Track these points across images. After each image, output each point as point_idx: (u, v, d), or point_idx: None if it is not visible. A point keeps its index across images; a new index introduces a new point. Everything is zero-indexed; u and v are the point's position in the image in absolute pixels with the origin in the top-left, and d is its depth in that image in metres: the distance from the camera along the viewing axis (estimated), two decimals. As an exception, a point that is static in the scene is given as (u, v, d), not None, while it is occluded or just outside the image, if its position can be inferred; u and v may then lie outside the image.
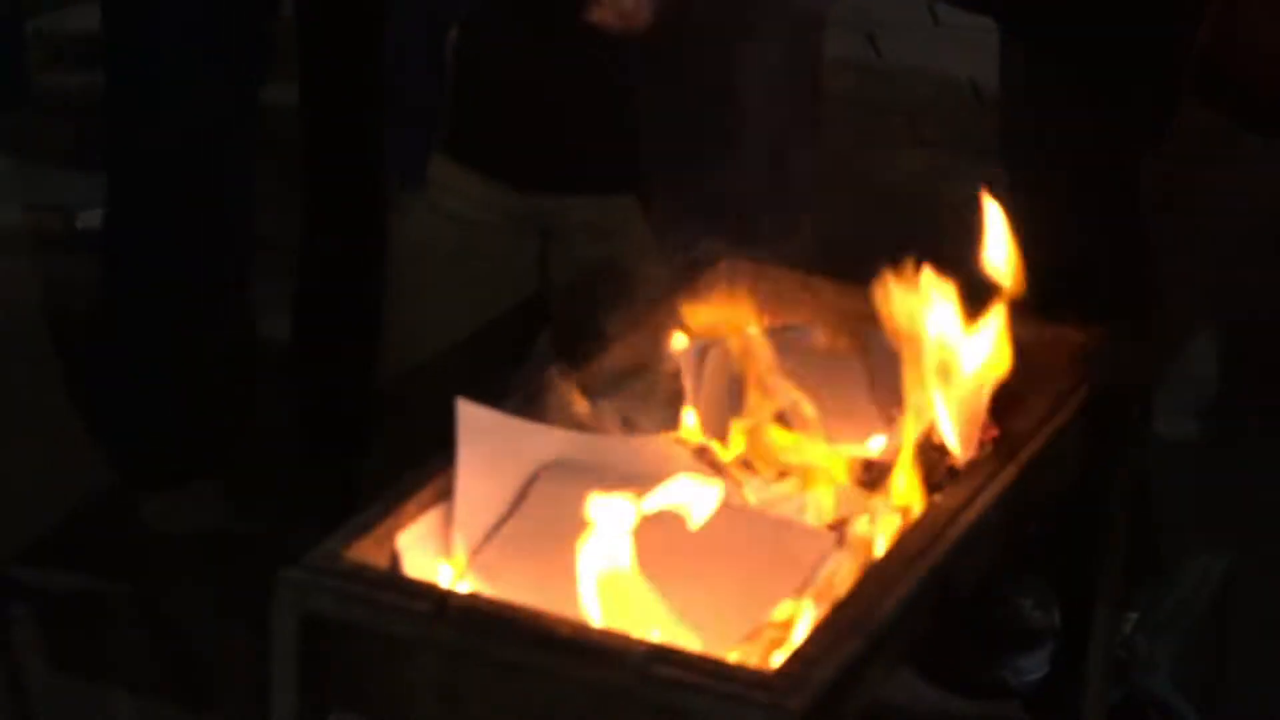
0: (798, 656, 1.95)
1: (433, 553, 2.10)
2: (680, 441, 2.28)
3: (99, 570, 3.48)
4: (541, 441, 2.19)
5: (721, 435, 2.30)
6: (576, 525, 2.09)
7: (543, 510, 2.14)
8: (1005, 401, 2.34)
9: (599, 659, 1.93)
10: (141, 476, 3.70)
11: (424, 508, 2.12)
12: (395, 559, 2.07)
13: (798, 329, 2.49)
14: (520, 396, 2.26)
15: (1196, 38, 2.69)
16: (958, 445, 2.31)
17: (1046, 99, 3.07)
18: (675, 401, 2.35)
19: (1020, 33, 3.18)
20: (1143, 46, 2.75)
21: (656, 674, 1.90)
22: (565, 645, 1.96)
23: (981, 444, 2.27)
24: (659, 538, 2.07)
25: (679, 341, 2.41)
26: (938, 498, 2.20)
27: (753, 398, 2.32)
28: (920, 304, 2.35)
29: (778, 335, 2.41)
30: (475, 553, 2.09)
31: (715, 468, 2.23)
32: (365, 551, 2.05)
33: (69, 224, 4.67)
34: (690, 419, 2.34)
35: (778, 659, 2.01)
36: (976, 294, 2.40)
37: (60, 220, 4.53)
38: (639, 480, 2.14)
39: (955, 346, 2.32)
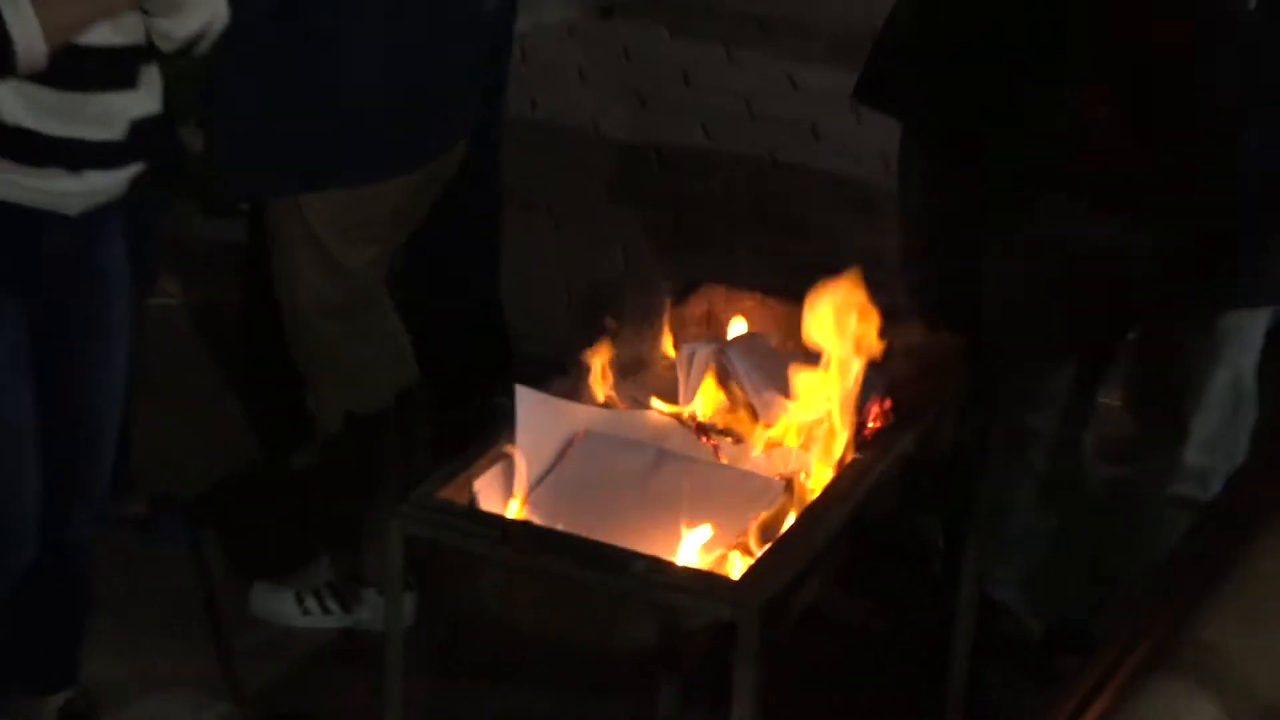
0: (756, 568, 1.96)
1: (499, 494, 2.08)
2: (675, 416, 2.24)
3: (259, 502, 3.33)
4: (576, 415, 2.18)
5: (705, 413, 2.26)
6: (601, 475, 2.12)
7: (577, 464, 2.15)
8: (906, 384, 2.31)
9: (614, 569, 1.94)
10: (280, 438, 3.39)
11: (493, 461, 2.09)
12: (473, 498, 2.05)
13: (758, 335, 2.42)
14: (562, 382, 2.21)
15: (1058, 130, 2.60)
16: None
17: (934, 180, 2.96)
18: (672, 387, 2.30)
19: (917, 131, 3.06)
20: (1013, 140, 2.67)
21: (655, 580, 1.92)
22: (591, 560, 1.97)
23: (885, 416, 2.24)
24: (659, 483, 2.08)
25: (674, 344, 2.34)
26: (857, 456, 2.17)
27: (727, 385, 2.28)
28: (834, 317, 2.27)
29: (744, 340, 2.38)
30: (529, 494, 2.08)
31: (700, 435, 2.20)
32: (451, 492, 2.05)
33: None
34: (683, 400, 2.29)
35: (742, 570, 1.99)
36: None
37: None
38: (644, 443, 2.15)
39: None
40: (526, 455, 2.10)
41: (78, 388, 2.39)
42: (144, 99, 2.32)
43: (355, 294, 2.88)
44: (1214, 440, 2.46)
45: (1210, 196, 2.40)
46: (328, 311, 2.85)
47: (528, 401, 2.10)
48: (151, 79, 2.36)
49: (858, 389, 2.23)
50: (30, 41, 2.11)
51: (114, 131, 2.25)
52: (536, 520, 2.04)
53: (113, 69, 2.26)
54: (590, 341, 2.30)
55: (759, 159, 4.23)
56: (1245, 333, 2.46)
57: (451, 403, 3.04)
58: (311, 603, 2.90)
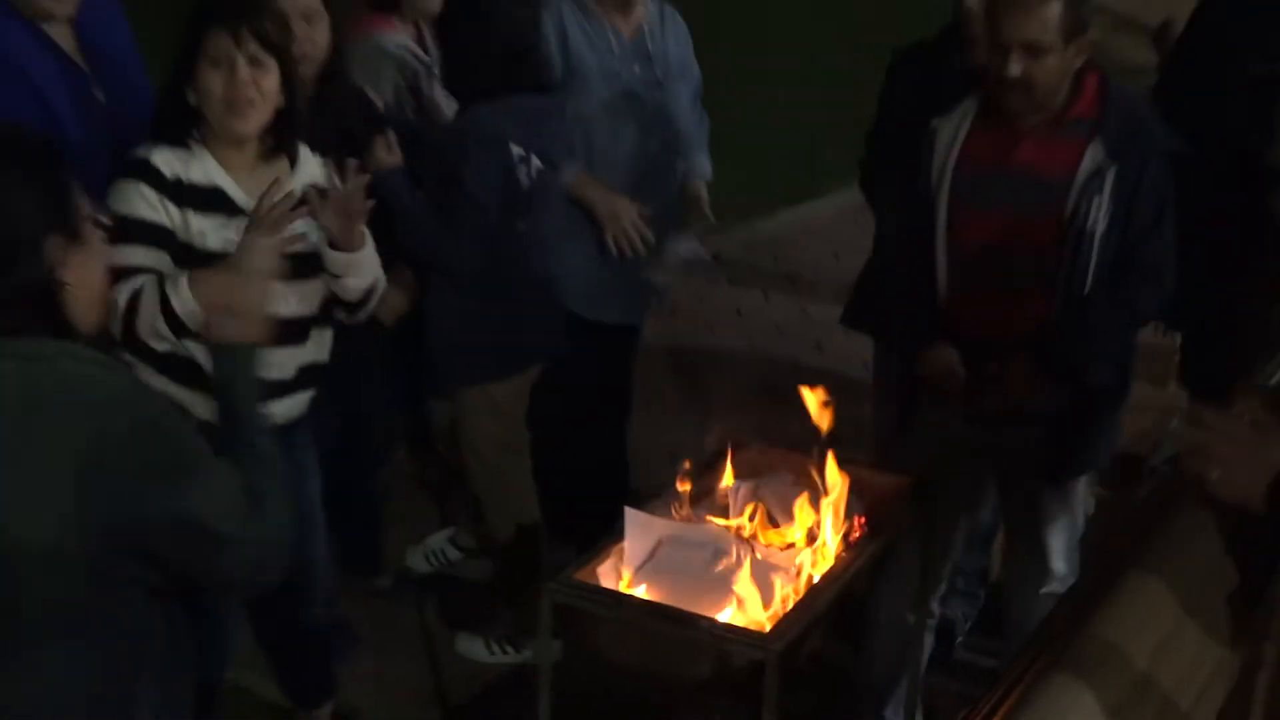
0: (778, 626, 1.93)
1: (614, 576, 2.08)
2: (728, 528, 2.16)
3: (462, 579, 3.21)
4: (664, 526, 2.13)
5: (747, 526, 2.18)
6: (678, 565, 2.07)
7: (663, 558, 2.11)
8: (874, 507, 2.25)
9: (686, 625, 1.94)
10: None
11: (609, 556, 2.09)
12: (597, 578, 2.06)
13: (781, 477, 2.30)
14: (655, 505, 2.18)
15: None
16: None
17: (893, 378, 2.73)
18: (725, 509, 2.23)
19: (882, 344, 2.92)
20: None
21: (712, 633, 1.92)
22: (671, 619, 1.97)
23: (862, 529, 2.19)
24: (716, 571, 2.03)
25: (727, 481, 2.26)
26: (843, 554, 2.13)
27: (761, 509, 2.19)
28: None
29: (772, 479, 2.28)
30: (633, 577, 2.07)
31: (742, 540, 2.12)
32: (583, 575, 2.05)
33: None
34: (732, 517, 2.19)
35: (769, 627, 1.93)
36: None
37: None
38: (706, 545, 2.10)
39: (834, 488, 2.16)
40: (631, 552, 2.07)
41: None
42: (312, 350, 2.13)
43: (517, 434, 2.78)
44: (1067, 552, 2.36)
45: (1060, 416, 2.31)
46: (500, 449, 2.75)
47: (632, 517, 2.09)
48: (322, 337, 2.15)
49: (844, 511, 2.15)
50: (189, 310, 1.88)
51: (286, 374, 2.07)
52: (637, 594, 2.01)
53: (288, 331, 2.02)
54: (674, 480, 2.20)
55: (785, 362, 4.11)
56: (1080, 483, 2.40)
57: (589, 517, 2.92)
58: (495, 646, 2.81)
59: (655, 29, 2.77)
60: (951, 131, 2.25)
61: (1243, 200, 2.88)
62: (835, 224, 5.03)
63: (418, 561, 3.16)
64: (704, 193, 2.98)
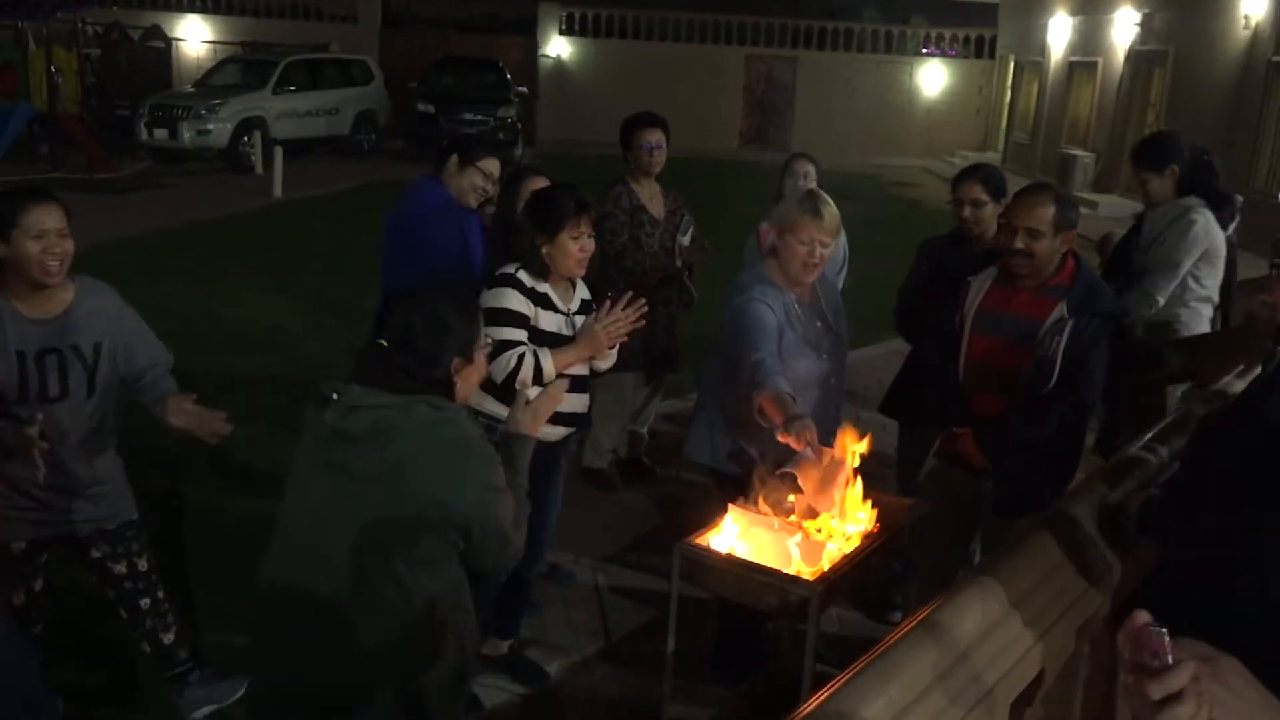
0: (819, 578, 2.33)
1: (722, 544, 2.47)
2: (789, 522, 2.49)
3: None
4: (753, 518, 2.49)
5: (802, 521, 2.49)
6: (758, 537, 2.48)
7: (751, 534, 2.50)
8: (884, 515, 2.63)
9: (765, 574, 2.35)
10: None
11: (719, 532, 2.51)
12: (709, 542, 2.47)
13: (829, 495, 2.53)
14: (748, 504, 2.54)
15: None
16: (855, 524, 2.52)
17: (911, 454, 3.40)
18: (791, 510, 2.52)
19: (903, 426, 3.50)
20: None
21: (779, 578, 2.33)
22: (754, 570, 2.38)
23: (880, 525, 2.57)
24: (781, 540, 2.44)
25: (793, 496, 2.53)
26: (862, 541, 2.50)
27: (810, 510, 2.52)
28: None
29: (823, 496, 2.53)
30: (733, 545, 2.48)
31: (800, 529, 2.47)
32: (702, 540, 2.47)
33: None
34: (791, 515, 2.51)
35: (812, 576, 2.34)
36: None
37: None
38: (776, 529, 2.47)
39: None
40: (731, 531, 2.50)
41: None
42: (582, 400, 2.88)
43: None
44: None
45: (1015, 475, 2.79)
46: None
47: (733, 511, 2.54)
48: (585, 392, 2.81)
49: (863, 516, 2.60)
50: (550, 373, 2.49)
51: (579, 408, 2.83)
52: (734, 554, 2.44)
53: (579, 384, 2.75)
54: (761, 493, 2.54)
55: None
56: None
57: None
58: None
59: (818, 285, 3.00)
60: (979, 285, 2.85)
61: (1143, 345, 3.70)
62: (883, 359, 6.06)
63: None
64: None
